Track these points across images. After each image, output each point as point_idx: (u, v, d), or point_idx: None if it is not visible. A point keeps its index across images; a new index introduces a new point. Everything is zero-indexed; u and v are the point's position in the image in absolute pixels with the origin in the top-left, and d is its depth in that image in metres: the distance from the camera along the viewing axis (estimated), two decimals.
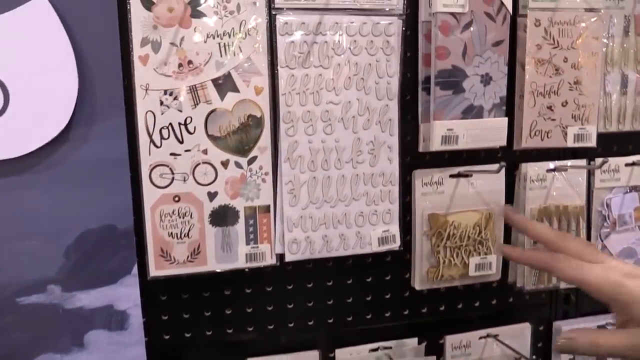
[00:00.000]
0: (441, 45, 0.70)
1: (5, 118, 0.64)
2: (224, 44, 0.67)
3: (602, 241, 0.82)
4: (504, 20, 0.72)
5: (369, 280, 0.79)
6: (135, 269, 0.70)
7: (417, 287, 0.78)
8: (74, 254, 0.69)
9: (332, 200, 0.72)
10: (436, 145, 0.71)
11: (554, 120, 0.76)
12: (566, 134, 0.77)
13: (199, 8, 0.66)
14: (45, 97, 0.65)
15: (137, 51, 0.65)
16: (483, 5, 0.71)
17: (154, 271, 0.69)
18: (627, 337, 0.46)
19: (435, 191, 0.77)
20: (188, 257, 0.70)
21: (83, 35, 0.65)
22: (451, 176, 0.77)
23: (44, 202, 0.67)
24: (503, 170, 0.76)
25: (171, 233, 0.69)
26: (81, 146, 0.67)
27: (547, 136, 0.77)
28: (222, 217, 0.70)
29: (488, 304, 0.84)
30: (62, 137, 0.66)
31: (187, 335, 0.74)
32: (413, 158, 0.76)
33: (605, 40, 0.78)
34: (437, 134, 0.71)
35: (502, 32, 0.73)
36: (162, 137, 0.67)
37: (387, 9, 0.71)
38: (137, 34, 0.65)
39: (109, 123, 0.67)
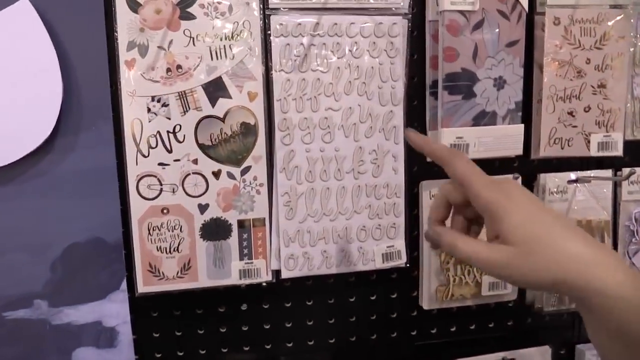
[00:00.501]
0: (449, 46, 0.64)
1: None
2: (215, 47, 0.63)
3: (630, 258, 0.76)
4: (519, 18, 0.67)
5: (373, 298, 0.74)
6: (124, 284, 0.67)
7: (426, 306, 0.73)
8: (60, 267, 0.67)
9: (332, 213, 0.68)
10: None
11: (575, 127, 0.70)
12: (589, 141, 0.70)
13: (188, 9, 0.62)
14: (29, 104, 0.62)
15: (124, 55, 0.62)
16: (496, 3, 0.65)
17: (142, 287, 0.66)
18: (483, 250, 0.43)
19: None
20: (178, 272, 0.66)
21: (68, 39, 0.62)
22: None
23: (28, 213, 0.65)
24: (519, 182, 0.70)
25: (160, 247, 0.66)
26: (67, 155, 0.65)
27: (568, 144, 0.70)
28: (214, 230, 0.66)
29: (504, 325, 0.78)
30: (47, 146, 0.64)
31: (180, 353, 0.71)
32: (420, 168, 0.71)
33: (633, 40, 0.71)
34: (445, 142, 0.66)
35: (517, 32, 0.67)
36: (149, 146, 0.63)
37: (392, 8, 0.66)
38: (123, 37, 0.61)
39: (96, 131, 0.65)
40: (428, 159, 0.69)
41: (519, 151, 0.69)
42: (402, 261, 0.71)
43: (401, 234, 0.70)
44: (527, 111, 0.70)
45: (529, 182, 0.73)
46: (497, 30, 0.66)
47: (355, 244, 0.69)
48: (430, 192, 0.71)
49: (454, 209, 0.49)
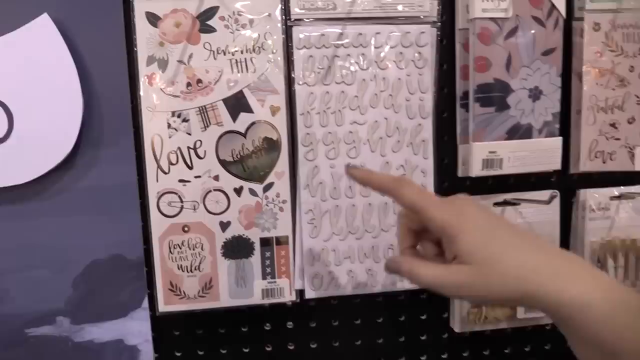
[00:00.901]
0: (481, 55, 0.61)
1: (10, 143, 0.61)
2: (236, 60, 0.61)
3: None
4: (556, 24, 0.63)
5: (402, 319, 0.70)
6: (145, 302, 0.66)
7: (457, 329, 0.69)
8: (82, 284, 0.66)
9: (358, 231, 0.65)
10: (476, 170, 0.62)
11: (618, 139, 0.66)
12: (633, 155, 0.66)
13: (208, 22, 0.60)
14: (50, 120, 0.61)
15: (143, 70, 0.61)
16: (530, 9, 0.62)
17: (163, 306, 0.64)
18: (442, 273, 0.42)
19: None
20: (199, 291, 0.65)
21: (88, 54, 0.62)
22: (496, 204, 0.67)
23: (50, 230, 0.65)
24: (557, 200, 0.66)
25: (181, 266, 0.64)
26: (88, 172, 0.64)
27: (611, 158, 0.66)
28: (236, 249, 0.64)
29: (541, 350, 0.73)
30: (68, 163, 0.63)
31: None
32: (451, 184, 0.68)
33: None
34: (477, 157, 0.62)
35: (554, 39, 0.63)
36: (170, 163, 0.62)
37: (420, 16, 0.63)
38: (142, 51, 0.60)
39: (117, 147, 0.64)
40: (459, 174, 0.67)
41: (557, 166, 0.65)
42: None
43: None
44: (565, 123, 0.66)
45: (568, 199, 0.69)
46: (532, 37, 0.62)
47: (382, 263, 0.66)
48: None
49: (420, 235, 0.48)
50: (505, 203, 0.67)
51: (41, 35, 0.60)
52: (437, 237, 0.45)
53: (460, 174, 0.67)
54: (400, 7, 0.62)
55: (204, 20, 0.60)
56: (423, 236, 0.48)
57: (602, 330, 0.37)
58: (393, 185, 0.46)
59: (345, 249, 0.65)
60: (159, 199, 0.63)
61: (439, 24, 0.64)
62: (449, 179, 0.68)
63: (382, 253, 0.66)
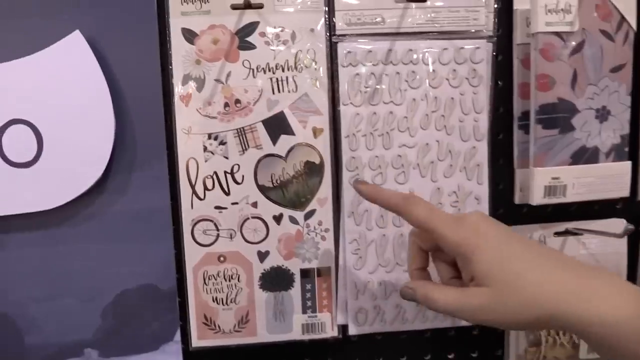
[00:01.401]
0: (544, 73, 0.56)
1: (39, 166, 0.58)
2: (277, 78, 0.57)
3: None
4: (626, 38, 0.57)
5: (451, 357, 0.65)
6: (178, 335, 0.62)
7: None
8: (111, 315, 0.63)
9: (406, 263, 0.60)
10: (537, 198, 0.57)
11: None
12: None
13: (247, 39, 0.57)
14: (81, 142, 0.58)
15: (179, 89, 0.57)
16: (598, 22, 0.56)
17: (196, 341, 0.60)
18: (458, 297, 0.40)
19: None
20: (235, 326, 0.61)
21: (121, 72, 0.59)
22: (556, 234, 0.61)
23: (78, 257, 0.62)
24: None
25: (216, 298, 0.60)
26: (119, 197, 0.61)
27: None
28: (275, 280, 0.60)
29: None
30: (99, 187, 0.60)
31: None
32: (507, 211, 0.62)
33: None
34: (538, 183, 0.57)
35: (624, 54, 0.58)
36: (205, 188, 0.58)
37: (474, 30, 0.58)
38: (178, 70, 0.57)
39: (150, 171, 0.61)
40: (516, 201, 0.61)
41: (625, 192, 0.59)
42: None
43: None
44: (635, 146, 0.60)
45: (638, 228, 0.63)
46: (600, 53, 0.57)
47: None
48: None
49: (432, 256, 0.46)
50: (567, 232, 0.62)
51: (72, 53, 0.57)
52: (451, 258, 0.43)
53: (517, 201, 0.61)
54: (453, 21, 0.58)
55: (243, 37, 0.57)
56: (437, 257, 0.45)
57: (638, 348, 0.34)
58: (402, 202, 0.44)
59: (393, 282, 0.60)
60: (193, 226, 0.59)
61: (495, 38, 0.59)
62: (505, 206, 0.62)
63: None
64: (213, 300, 0.60)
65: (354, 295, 0.60)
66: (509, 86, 0.61)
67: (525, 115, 0.59)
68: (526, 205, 0.62)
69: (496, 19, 0.59)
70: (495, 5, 0.58)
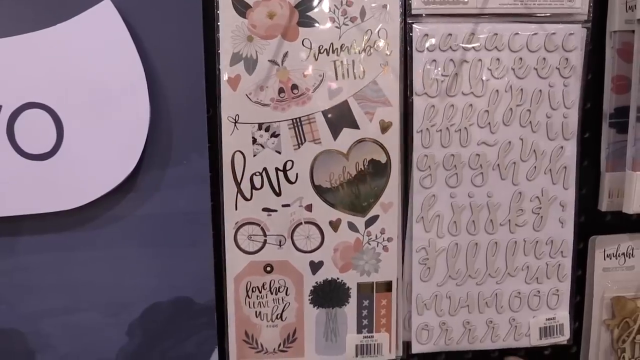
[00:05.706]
0: None
1: (58, 159, 0.50)
2: (342, 62, 0.50)
3: None
4: None
5: None
6: (215, 355, 0.56)
7: None
8: (139, 332, 0.56)
9: (480, 275, 0.54)
10: (637, 206, 0.50)
11: None
12: None
13: (309, 13, 0.49)
14: (109, 131, 0.50)
15: (226, 71, 0.49)
16: None
17: None
18: None
19: (622, 266, 0.57)
20: (280, 345, 0.55)
21: (157, 50, 0.50)
22: None
23: (102, 266, 0.54)
24: None
25: (259, 313, 0.54)
26: (150, 196, 0.53)
27: None
28: (328, 295, 0.54)
29: None
30: (128, 185, 0.52)
31: None
32: (590, 219, 0.56)
33: None
34: (636, 189, 0.50)
35: None
36: (253, 187, 0.51)
37: (568, 14, 0.51)
38: (226, 48, 0.49)
39: (187, 166, 0.53)
40: (602, 208, 0.55)
41: None
42: (564, 337, 0.56)
43: (565, 303, 0.56)
44: None
45: None
46: None
47: (506, 314, 0.55)
48: (604, 251, 0.55)
49: None
50: None
51: (100, 26, 0.48)
52: None
53: (604, 208, 0.55)
54: (544, 2, 0.50)
55: (304, 11, 0.49)
56: None
57: None
58: None
59: (463, 296, 0.54)
60: (237, 231, 0.52)
61: (589, 23, 0.52)
62: (587, 213, 0.56)
63: (506, 302, 0.54)
64: (256, 316, 0.54)
65: (420, 310, 0.54)
66: (598, 79, 0.54)
67: (620, 112, 0.53)
68: (611, 213, 0.56)
69: (591, 3, 0.51)
70: None
